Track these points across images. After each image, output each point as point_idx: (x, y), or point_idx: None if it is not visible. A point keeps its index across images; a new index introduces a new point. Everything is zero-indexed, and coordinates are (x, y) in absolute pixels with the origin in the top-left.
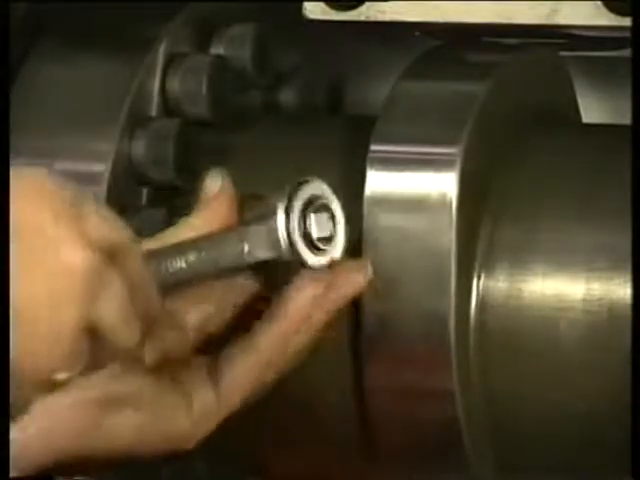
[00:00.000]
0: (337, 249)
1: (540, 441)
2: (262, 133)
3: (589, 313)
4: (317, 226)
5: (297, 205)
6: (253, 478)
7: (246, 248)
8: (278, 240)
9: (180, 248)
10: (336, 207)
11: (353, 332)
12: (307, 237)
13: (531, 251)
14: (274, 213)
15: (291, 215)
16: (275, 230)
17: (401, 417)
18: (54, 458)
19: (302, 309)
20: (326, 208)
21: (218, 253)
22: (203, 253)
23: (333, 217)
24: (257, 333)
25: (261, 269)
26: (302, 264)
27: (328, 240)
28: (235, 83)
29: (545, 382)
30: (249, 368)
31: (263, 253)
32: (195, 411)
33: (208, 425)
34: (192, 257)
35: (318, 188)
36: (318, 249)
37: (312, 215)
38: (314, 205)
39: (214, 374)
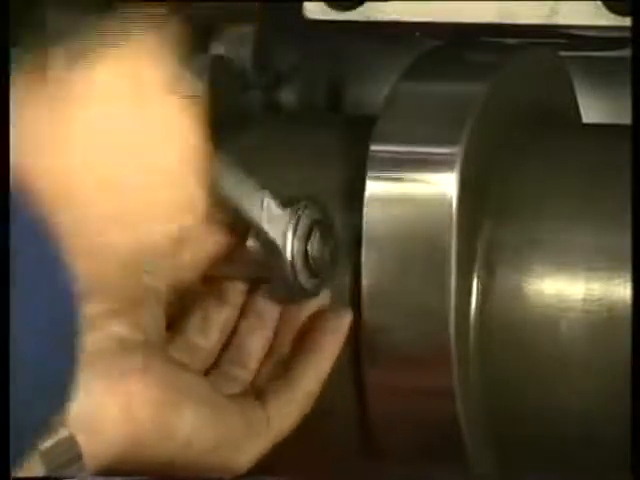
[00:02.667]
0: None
1: (540, 440)
2: (262, 133)
3: (589, 313)
4: (316, 249)
5: (303, 225)
6: (254, 478)
7: (265, 203)
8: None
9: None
10: (334, 233)
11: (353, 332)
12: (306, 258)
13: (531, 251)
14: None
15: (297, 232)
16: (286, 223)
17: (401, 417)
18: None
19: (337, 346)
20: (326, 232)
21: (241, 196)
22: (230, 188)
23: (331, 243)
24: (298, 369)
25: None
26: (295, 278)
27: (321, 264)
28: (235, 83)
29: (545, 382)
30: (294, 402)
31: (271, 228)
32: (248, 424)
33: (258, 445)
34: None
35: (325, 212)
36: (313, 273)
37: (314, 238)
38: (317, 228)
39: (262, 401)
